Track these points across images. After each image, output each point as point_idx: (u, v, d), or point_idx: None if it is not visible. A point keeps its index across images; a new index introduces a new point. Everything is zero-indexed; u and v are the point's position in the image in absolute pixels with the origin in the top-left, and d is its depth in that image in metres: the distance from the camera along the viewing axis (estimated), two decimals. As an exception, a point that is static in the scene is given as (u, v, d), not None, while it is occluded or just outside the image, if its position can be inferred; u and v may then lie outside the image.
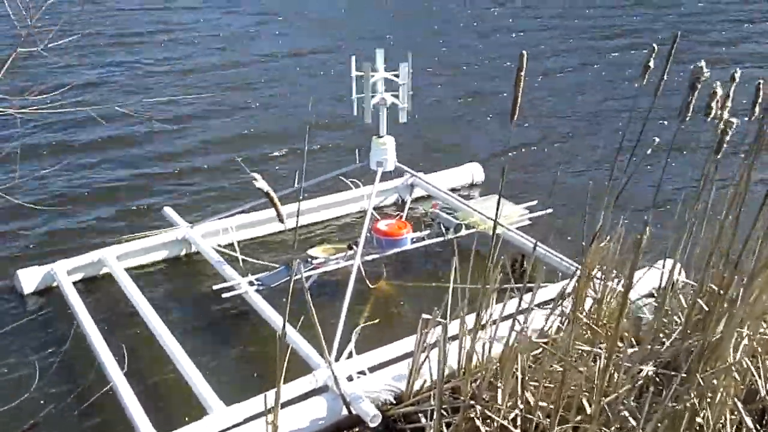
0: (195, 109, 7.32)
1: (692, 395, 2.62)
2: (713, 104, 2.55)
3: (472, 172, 5.72)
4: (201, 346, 3.66)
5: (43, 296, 4.13)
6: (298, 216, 2.45)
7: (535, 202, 4.70)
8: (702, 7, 13.07)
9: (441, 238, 4.42)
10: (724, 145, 2.61)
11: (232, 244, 4.46)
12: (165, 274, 4.42)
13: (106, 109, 6.07)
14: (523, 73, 2.33)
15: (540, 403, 2.71)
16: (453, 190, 5.36)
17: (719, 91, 2.53)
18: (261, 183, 2.00)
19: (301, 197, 4.01)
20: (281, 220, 2.10)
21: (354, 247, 4.14)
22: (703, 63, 2.45)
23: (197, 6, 12.22)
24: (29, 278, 4.12)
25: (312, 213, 4.96)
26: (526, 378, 2.80)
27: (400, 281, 4.29)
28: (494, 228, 2.78)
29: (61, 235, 4.77)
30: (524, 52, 2.30)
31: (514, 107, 2.39)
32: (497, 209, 2.76)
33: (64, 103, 3.24)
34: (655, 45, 2.66)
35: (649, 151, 2.74)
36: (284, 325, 2.40)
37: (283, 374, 2.52)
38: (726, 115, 2.60)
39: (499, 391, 2.79)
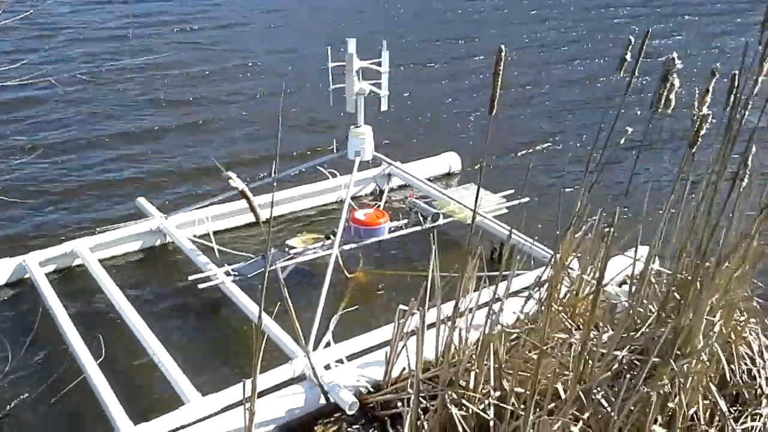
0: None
1: (665, 380, 2.66)
2: (671, 96, 2.58)
3: (449, 161, 5.74)
4: (177, 336, 3.64)
5: (15, 288, 4.06)
6: (272, 207, 2.43)
7: (512, 191, 4.73)
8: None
9: (419, 227, 4.43)
10: (699, 139, 2.65)
11: (207, 235, 4.42)
12: (140, 265, 4.38)
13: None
14: (501, 67, 2.33)
15: (516, 389, 2.73)
16: (430, 179, 5.37)
17: (676, 83, 2.57)
18: (236, 182, 1.99)
19: (275, 185, 3.97)
20: (257, 220, 2.08)
21: (332, 236, 4.13)
22: (675, 55, 2.48)
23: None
24: (1, 270, 4.05)
25: (289, 203, 4.93)
26: (502, 365, 2.82)
27: (378, 270, 4.29)
28: (473, 218, 2.79)
29: (34, 228, 4.71)
30: (503, 46, 2.30)
31: (493, 99, 2.39)
32: (476, 199, 2.77)
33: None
34: (631, 38, 2.68)
35: (622, 141, 2.77)
36: (260, 314, 2.39)
37: (260, 363, 2.50)
38: (705, 109, 2.62)
39: (474, 377, 2.81)
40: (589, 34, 10.81)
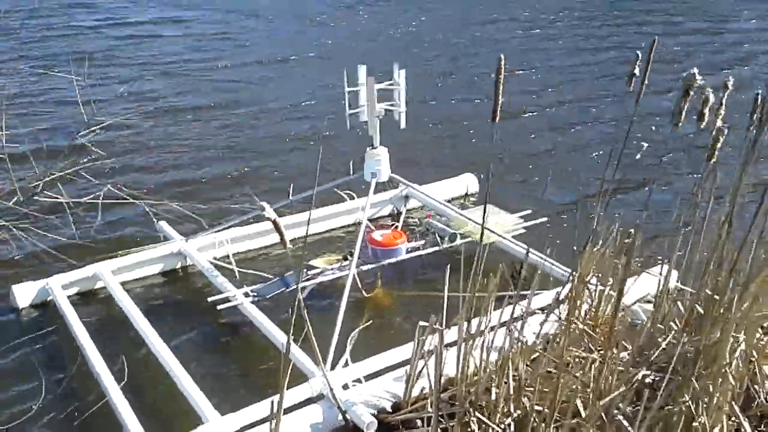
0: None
1: (687, 398, 2.62)
2: (705, 111, 2.56)
3: (467, 183, 5.75)
4: (197, 356, 3.66)
5: (39, 310, 4.12)
6: (308, 225, 2.46)
7: (529, 211, 4.73)
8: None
9: (436, 248, 4.44)
10: (717, 152, 2.63)
11: (227, 257, 4.46)
12: (161, 288, 4.42)
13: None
14: (501, 77, 2.35)
15: (536, 407, 2.71)
16: (448, 200, 5.38)
17: (711, 98, 2.55)
18: (269, 212, 2.04)
19: (313, 205, 4.01)
20: (285, 246, 2.12)
21: (349, 257, 4.15)
22: (695, 70, 2.46)
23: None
24: (23, 293, 4.12)
25: (304, 226, 4.96)
26: (522, 383, 2.80)
27: (395, 290, 4.30)
28: (481, 234, 2.81)
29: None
30: (502, 56, 2.33)
31: (495, 109, 2.42)
32: (484, 213, 2.78)
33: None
34: (638, 52, 2.68)
35: (638, 156, 2.77)
36: (289, 340, 2.40)
37: (286, 383, 2.51)
38: (719, 122, 2.61)
39: (495, 396, 2.79)
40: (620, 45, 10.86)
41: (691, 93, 2.55)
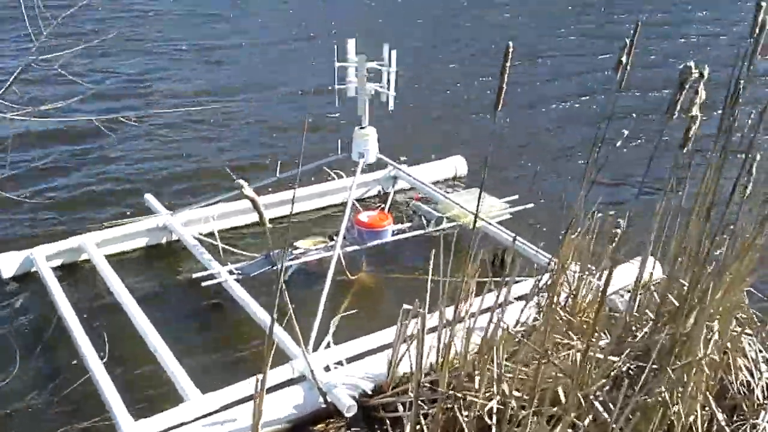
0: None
1: (663, 388, 2.67)
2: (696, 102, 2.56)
3: (456, 165, 5.75)
4: (179, 333, 3.65)
5: (22, 281, 4.10)
6: (293, 204, 2.45)
7: (516, 197, 4.74)
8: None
9: (422, 231, 4.45)
10: (690, 141, 2.63)
11: (213, 233, 4.45)
12: (145, 262, 4.41)
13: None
14: (508, 65, 2.34)
15: (515, 394, 2.75)
16: (436, 182, 5.38)
17: (703, 94, 2.54)
18: (248, 191, 2.02)
19: (297, 185, 4.00)
20: (264, 224, 2.11)
21: (334, 237, 4.15)
22: (692, 63, 2.45)
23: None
24: (8, 263, 4.09)
25: (296, 204, 4.95)
26: (503, 369, 2.84)
27: (380, 273, 4.31)
28: (474, 222, 2.81)
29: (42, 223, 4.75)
30: (511, 43, 2.31)
31: (499, 97, 2.41)
32: (478, 203, 2.78)
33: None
34: (627, 40, 2.68)
35: (618, 143, 2.78)
36: (272, 321, 2.40)
37: (269, 363, 2.52)
38: (695, 111, 2.61)
39: (476, 381, 2.82)
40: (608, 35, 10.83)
41: (686, 86, 2.54)
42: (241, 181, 2.02)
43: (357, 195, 5.04)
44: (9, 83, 2.68)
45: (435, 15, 11.87)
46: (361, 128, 4.37)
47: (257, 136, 6.54)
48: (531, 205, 4.63)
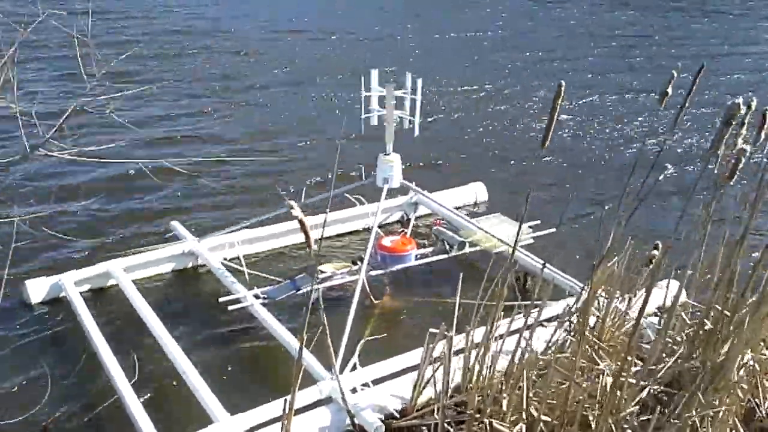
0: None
1: (694, 414, 2.65)
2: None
3: (476, 191, 5.79)
4: (206, 357, 3.69)
5: (51, 305, 4.16)
6: (324, 228, 2.49)
7: (538, 222, 4.75)
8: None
9: (445, 255, 4.47)
10: (737, 172, 2.63)
11: (238, 258, 4.50)
12: (172, 287, 4.46)
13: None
14: (559, 102, 2.37)
15: (543, 418, 2.74)
16: (457, 208, 5.41)
17: (748, 150, 2.53)
18: (297, 212, 2.08)
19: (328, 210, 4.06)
20: (309, 246, 2.16)
21: (358, 262, 4.18)
22: (740, 100, 2.43)
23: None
24: (37, 288, 4.16)
25: (317, 229, 4.98)
26: (530, 393, 2.83)
27: (404, 297, 4.33)
28: (514, 247, 2.84)
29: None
30: (562, 82, 2.34)
31: (547, 134, 2.44)
32: (517, 233, 2.81)
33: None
34: (674, 72, 2.69)
35: (661, 177, 2.78)
36: (302, 347, 2.42)
37: (286, 384, 2.54)
38: (740, 142, 2.62)
39: (504, 404, 2.82)
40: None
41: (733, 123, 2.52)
42: (292, 203, 2.08)
43: (380, 220, 5.08)
44: (61, 121, 2.75)
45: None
46: (386, 155, 4.43)
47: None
48: (553, 230, 4.64)
